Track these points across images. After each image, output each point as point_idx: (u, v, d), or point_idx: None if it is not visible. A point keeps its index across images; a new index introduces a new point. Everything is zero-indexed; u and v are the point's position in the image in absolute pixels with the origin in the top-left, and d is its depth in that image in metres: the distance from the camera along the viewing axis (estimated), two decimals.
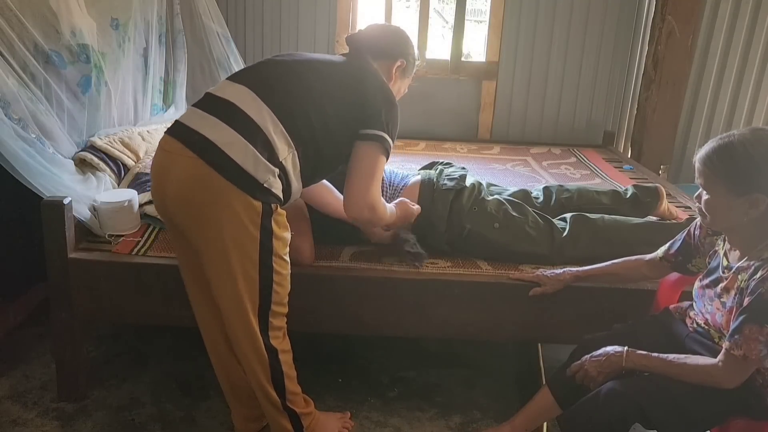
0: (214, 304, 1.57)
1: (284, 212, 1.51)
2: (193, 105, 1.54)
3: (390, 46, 1.75)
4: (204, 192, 1.42)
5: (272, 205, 1.46)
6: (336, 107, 1.54)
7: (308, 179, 1.59)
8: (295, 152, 1.48)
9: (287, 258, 1.54)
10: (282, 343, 1.58)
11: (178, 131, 1.48)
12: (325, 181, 1.81)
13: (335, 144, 1.57)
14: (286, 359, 1.59)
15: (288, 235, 1.53)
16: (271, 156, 1.43)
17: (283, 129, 1.45)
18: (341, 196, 1.81)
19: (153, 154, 1.64)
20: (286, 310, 1.57)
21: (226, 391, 1.75)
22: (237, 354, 1.59)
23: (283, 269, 1.52)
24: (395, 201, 1.84)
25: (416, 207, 1.86)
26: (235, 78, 1.56)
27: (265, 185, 1.43)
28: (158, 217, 1.80)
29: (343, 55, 1.73)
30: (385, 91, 1.62)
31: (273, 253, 1.48)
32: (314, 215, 1.89)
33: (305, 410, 1.65)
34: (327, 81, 1.57)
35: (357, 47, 1.72)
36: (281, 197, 1.48)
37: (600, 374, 1.44)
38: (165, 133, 1.51)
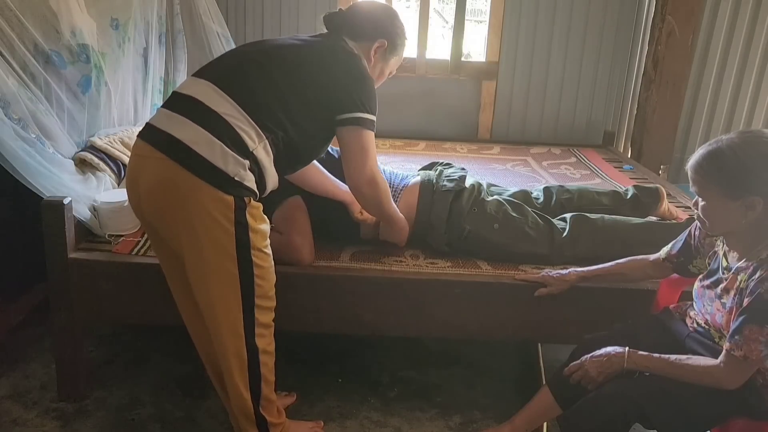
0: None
1: (260, 205, 1.48)
2: (162, 105, 1.52)
3: (370, 26, 1.68)
4: (174, 191, 1.40)
5: (245, 198, 1.43)
6: (300, 98, 1.51)
7: (285, 168, 1.57)
8: (266, 141, 1.45)
9: (268, 250, 1.50)
10: (267, 343, 1.54)
11: (147, 134, 1.47)
12: (315, 162, 1.79)
13: (306, 132, 1.54)
14: (267, 361, 1.55)
15: (266, 227, 1.50)
16: (241, 148, 1.41)
17: (250, 120, 1.43)
18: (331, 176, 1.82)
19: None
20: (272, 303, 1.54)
21: (221, 394, 1.73)
22: (217, 353, 1.55)
23: (264, 262, 1.49)
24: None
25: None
26: (198, 74, 1.54)
27: (236, 179, 1.40)
28: None
29: (319, 35, 1.68)
30: (354, 70, 1.57)
31: (251, 247, 1.45)
32: (314, 214, 1.89)
33: (277, 420, 1.62)
34: (291, 72, 1.53)
35: (334, 27, 1.68)
36: (255, 190, 1.46)
37: (600, 374, 1.44)
38: (137, 136, 1.49)
